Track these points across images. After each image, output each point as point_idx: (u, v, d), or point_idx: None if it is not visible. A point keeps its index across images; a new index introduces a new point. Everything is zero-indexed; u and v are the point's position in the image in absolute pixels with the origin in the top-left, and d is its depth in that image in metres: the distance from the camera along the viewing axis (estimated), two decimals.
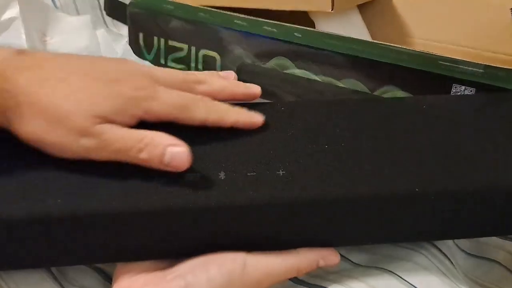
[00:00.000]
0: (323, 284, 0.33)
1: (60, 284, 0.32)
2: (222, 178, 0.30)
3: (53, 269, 0.33)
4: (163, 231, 0.29)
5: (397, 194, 0.30)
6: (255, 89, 0.37)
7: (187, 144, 0.29)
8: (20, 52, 0.30)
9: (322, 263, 0.31)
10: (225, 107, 0.33)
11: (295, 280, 0.34)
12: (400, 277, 0.33)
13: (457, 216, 0.32)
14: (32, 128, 0.29)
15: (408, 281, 0.33)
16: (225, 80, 0.36)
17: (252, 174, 0.30)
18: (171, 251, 0.30)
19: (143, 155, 0.29)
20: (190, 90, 0.33)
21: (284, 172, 0.30)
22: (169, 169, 0.29)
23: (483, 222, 0.33)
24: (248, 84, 0.37)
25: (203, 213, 0.29)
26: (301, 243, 0.31)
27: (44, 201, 0.28)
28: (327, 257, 0.31)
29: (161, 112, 0.31)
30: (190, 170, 0.30)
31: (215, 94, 0.34)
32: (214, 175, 0.30)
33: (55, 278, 0.32)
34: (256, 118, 0.34)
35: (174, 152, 0.29)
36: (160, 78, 0.32)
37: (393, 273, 0.33)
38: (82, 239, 0.28)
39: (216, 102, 0.33)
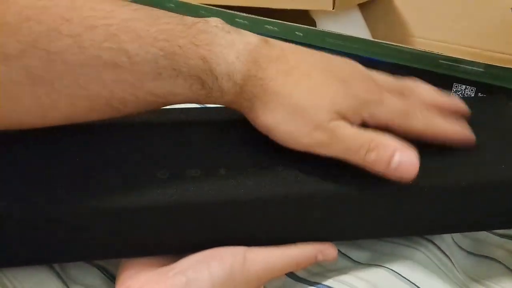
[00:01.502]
0: (323, 282, 0.33)
1: (64, 282, 0.32)
2: (223, 174, 0.30)
3: (56, 267, 0.33)
4: (164, 227, 0.29)
5: (392, 188, 0.30)
6: (460, 103, 0.35)
7: (417, 151, 0.28)
8: (266, 40, 0.31)
9: (320, 257, 0.31)
10: (441, 120, 0.32)
11: (295, 277, 0.35)
12: (400, 275, 0.33)
13: (451, 210, 0.32)
14: (272, 116, 0.29)
15: (408, 278, 0.33)
16: (432, 89, 0.34)
17: (252, 169, 0.30)
18: (173, 246, 0.30)
19: (371, 156, 0.28)
20: (406, 99, 0.32)
21: (282, 168, 0.31)
22: (394, 174, 0.28)
23: (475, 216, 0.33)
24: (452, 97, 0.35)
25: (204, 208, 0.29)
26: (299, 238, 0.31)
27: (46, 197, 0.28)
28: (325, 251, 0.31)
29: (383, 117, 0.30)
30: (190, 165, 0.30)
31: (428, 106, 0.33)
32: (215, 171, 0.30)
33: (59, 276, 0.32)
34: (471, 136, 0.33)
35: (403, 157, 0.28)
36: (381, 82, 0.32)
37: (393, 270, 0.33)
38: (84, 235, 0.29)
39: (434, 114, 0.32)
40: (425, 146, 0.33)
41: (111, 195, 0.28)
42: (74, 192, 0.28)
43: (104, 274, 0.34)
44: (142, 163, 0.30)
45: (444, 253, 0.36)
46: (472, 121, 0.36)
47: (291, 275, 0.34)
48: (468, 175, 0.32)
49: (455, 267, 0.36)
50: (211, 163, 0.31)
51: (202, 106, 0.35)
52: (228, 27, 0.30)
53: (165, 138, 0.33)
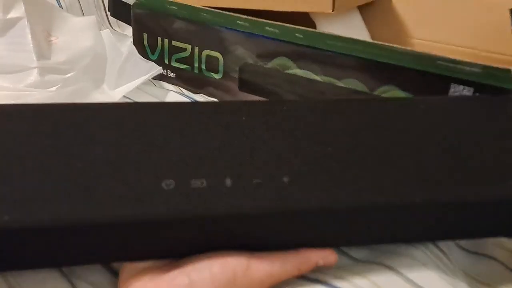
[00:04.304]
0: (324, 279, 0.33)
1: (69, 280, 0.33)
2: (228, 185, 0.30)
3: None
4: (168, 237, 0.29)
5: (398, 203, 0.30)
6: None
7: None
8: None
9: (321, 263, 0.31)
10: None
11: None
12: (400, 272, 0.33)
13: (455, 223, 0.32)
14: None
15: (408, 276, 0.33)
16: None
17: (258, 181, 0.30)
18: (175, 253, 0.30)
19: None
20: None
21: (289, 179, 0.30)
22: None
23: (481, 228, 0.33)
24: None
25: (208, 219, 0.28)
26: (302, 245, 0.31)
27: (51, 204, 0.27)
28: (326, 257, 0.32)
29: None
30: (196, 176, 0.30)
31: None
32: (220, 182, 0.30)
33: (63, 274, 0.33)
34: None
35: None
36: None
37: (392, 268, 0.33)
38: (87, 242, 0.28)
39: None
40: (432, 158, 0.33)
41: (115, 205, 0.28)
42: (78, 200, 0.28)
43: (109, 272, 0.34)
44: (147, 171, 0.29)
45: (442, 251, 0.36)
46: (471, 122, 0.36)
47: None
48: (474, 191, 0.31)
49: (453, 265, 0.36)
50: (216, 173, 0.30)
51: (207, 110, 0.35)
52: None
53: (172, 144, 0.32)
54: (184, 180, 0.29)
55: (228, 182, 0.30)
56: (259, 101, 0.37)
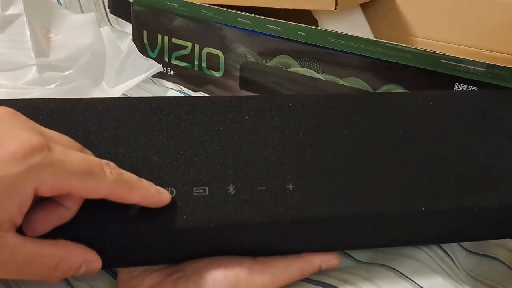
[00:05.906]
0: (326, 281, 0.33)
1: (67, 280, 0.32)
2: (231, 193, 0.29)
3: None
4: (169, 244, 0.29)
5: (403, 212, 0.30)
6: None
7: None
8: None
9: (324, 266, 0.32)
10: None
11: None
12: (403, 275, 0.33)
13: (459, 227, 0.32)
14: None
15: (412, 278, 0.33)
16: None
17: (261, 188, 0.29)
18: (176, 260, 0.30)
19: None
20: None
21: (293, 186, 0.30)
22: None
23: (485, 230, 0.33)
24: None
25: (211, 229, 0.28)
26: (305, 249, 0.31)
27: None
28: (329, 261, 0.32)
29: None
30: (199, 183, 0.29)
31: None
32: (223, 190, 0.29)
33: None
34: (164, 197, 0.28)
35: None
36: None
37: (396, 270, 0.34)
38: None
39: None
40: (436, 164, 0.32)
41: (115, 215, 0.27)
42: (87, 214, 0.27)
43: (109, 274, 0.33)
44: (149, 178, 0.28)
45: (446, 252, 0.36)
46: (477, 120, 0.36)
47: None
48: (479, 199, 0.31)
49: (457, 266, 0.36)
50: (219, 180, 0.29)
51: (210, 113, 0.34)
52: None
53: (172, 146, 0.31)
54: (186, 188, 0.29)
55: (231, 190, 0.29)
56: (261, 96, 0.36)
